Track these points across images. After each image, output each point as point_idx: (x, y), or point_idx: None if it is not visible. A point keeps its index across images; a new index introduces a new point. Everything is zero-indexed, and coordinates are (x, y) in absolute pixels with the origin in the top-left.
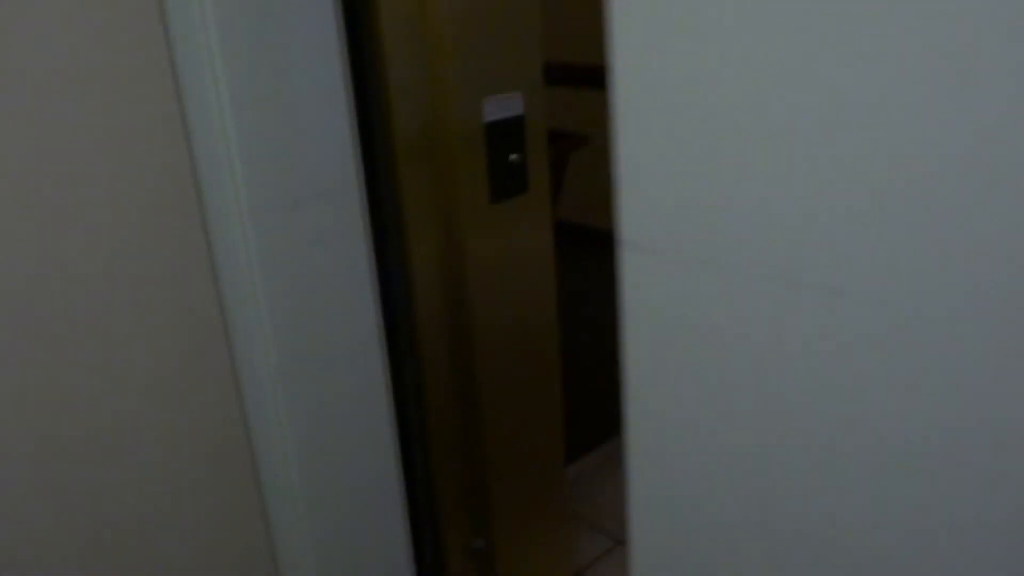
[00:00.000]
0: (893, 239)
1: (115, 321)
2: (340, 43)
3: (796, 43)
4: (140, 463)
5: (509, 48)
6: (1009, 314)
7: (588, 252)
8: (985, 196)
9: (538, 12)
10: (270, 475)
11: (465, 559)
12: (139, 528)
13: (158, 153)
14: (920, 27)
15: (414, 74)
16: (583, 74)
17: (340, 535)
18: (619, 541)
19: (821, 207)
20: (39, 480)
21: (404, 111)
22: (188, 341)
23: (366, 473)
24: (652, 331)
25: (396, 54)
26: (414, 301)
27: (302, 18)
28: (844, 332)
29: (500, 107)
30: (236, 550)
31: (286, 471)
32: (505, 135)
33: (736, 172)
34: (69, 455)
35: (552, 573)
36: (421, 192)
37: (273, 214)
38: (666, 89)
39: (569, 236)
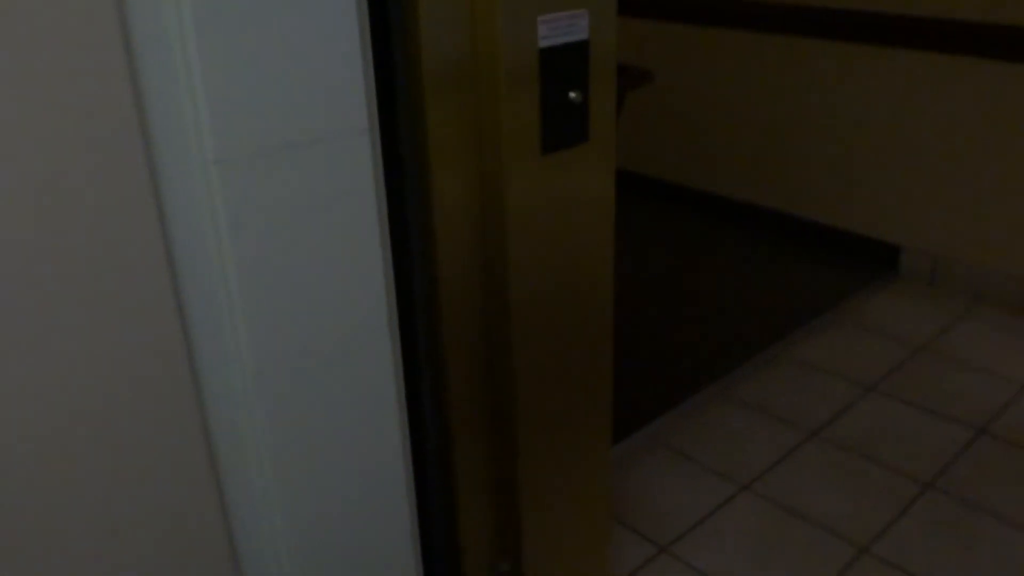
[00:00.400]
0: None
1: (28, 313)
2: None
3: None
4: (68, 515)
5: None
6: None
7: (641, 204)
8: None
9: None
10: (245, 510)
11: None
12: None
13: (88, 78)
14: None
15: None
16: (647, 1)
17: None
18: (662, 547)
19: None
20: None
21: (435, 30)
22: (128, 341)
23: (369, 497)
24: None
25: None
26: (438, 275)
27: None
28: None
29: (559, 29)
30: None
31: (266, 504)
32: (564, 66)
33: None
34: None
35: None
36: (453, 138)
37: (250, 164)
38: None
39: (620, 185)
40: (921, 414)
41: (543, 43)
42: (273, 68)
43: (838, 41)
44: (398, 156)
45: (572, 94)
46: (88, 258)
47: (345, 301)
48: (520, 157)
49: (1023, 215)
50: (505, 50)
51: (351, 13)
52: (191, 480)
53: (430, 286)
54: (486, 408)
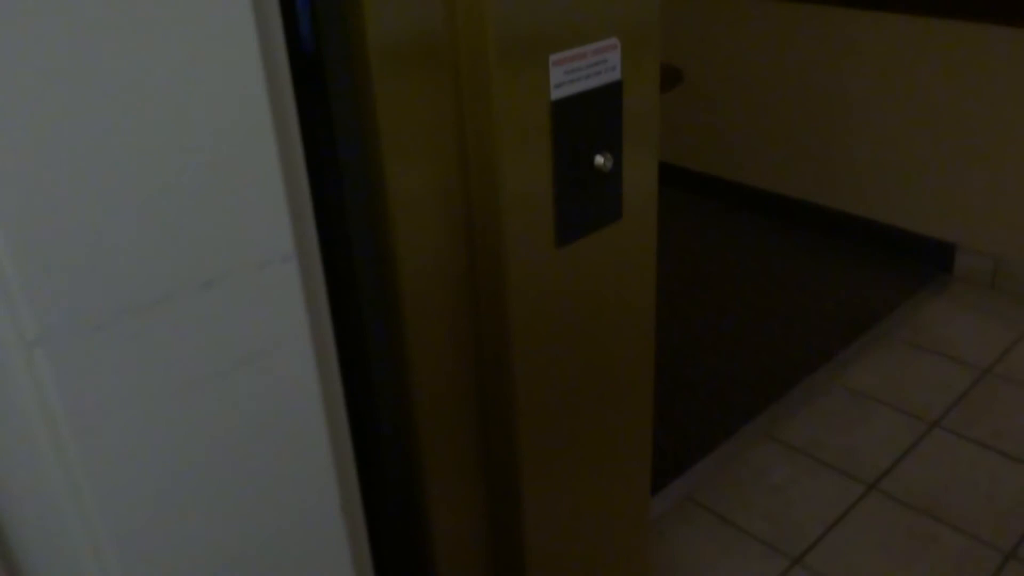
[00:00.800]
0: None
1: None
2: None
3: None
4: None
5: None
6: None
7: (660, 195)
8: None
9: None
10: None
11: None
12: None
13: None
14: None
15: (419, 15)
16: None
17: None
18: None
19: None
20: None
21: (396, 84)
22: None
23: None
24: None
25: None
26: (413, 409)
27: None
28: None
29: (581, 71)
30: None
31: None
32: (587, 120)
33: None
34: None
35: None
36: (429, 237)
37: (98, 338)
38: None
39: None
40: (994, 458)
41: (558, 93)
42: (129, 170)
43: (885, 12)
44: (350, 269)
45: (600, 159)
46: None
47: (273, 499)
48: (524, 252)
49: None
50: (500, 105)
51: (257, 78)
52: None
53: (405, 420)
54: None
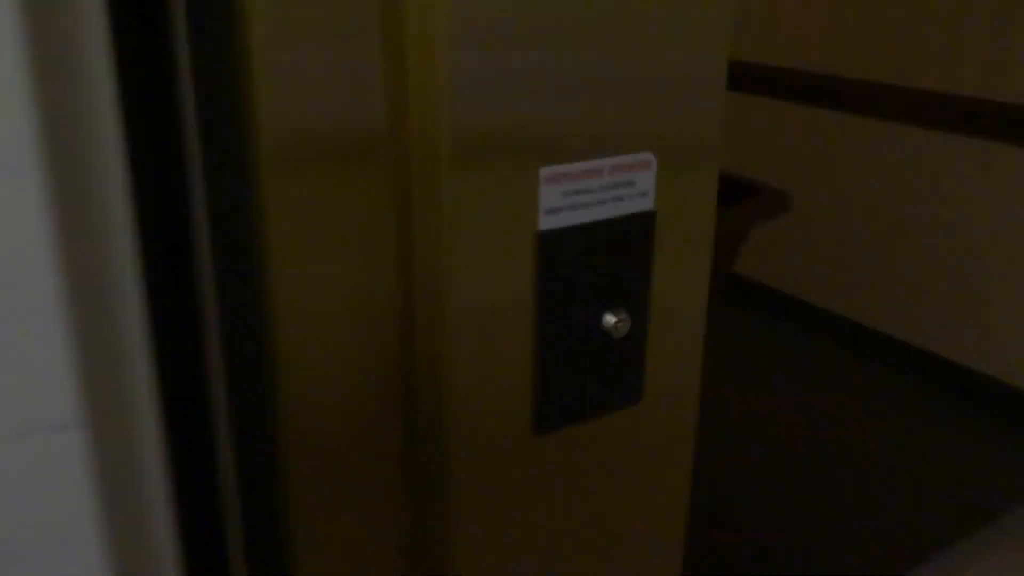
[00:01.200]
0: None
1: None
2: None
3: None
4: None
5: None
6: None
7: (748, 319)
8: None
9: None
10: None
11: None
12: None
13: None
14: None
15: (350, 90)
16: (780, 78)
17: None
18: None
19: None
20: None
21: (300, 207)
22: None
23: None
24: None
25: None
26: None
27: None
28: None
29: (587, 193)
30: None
31: None
32: (595, 263)
33: None
34: None
35: None
36: (342, 400)
37: None
38: None
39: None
40: None
41: (551, 222)
42: None
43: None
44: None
45: (611, 318)
46: None
47: None
48: (487, 441)
49: None
50: (456, 229)
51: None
52: None
53: None
54: None
